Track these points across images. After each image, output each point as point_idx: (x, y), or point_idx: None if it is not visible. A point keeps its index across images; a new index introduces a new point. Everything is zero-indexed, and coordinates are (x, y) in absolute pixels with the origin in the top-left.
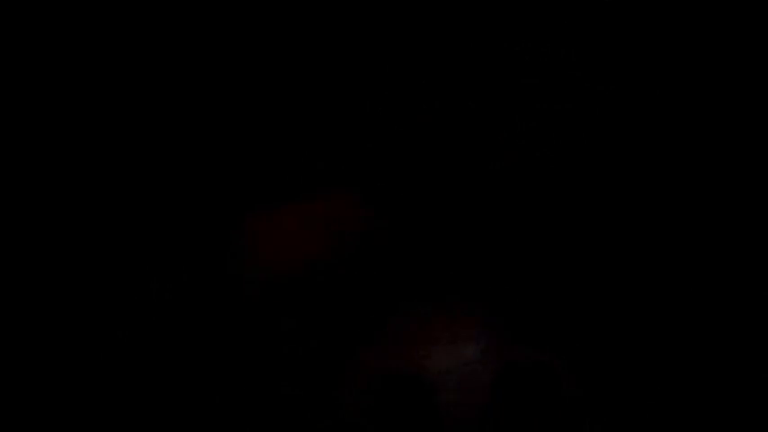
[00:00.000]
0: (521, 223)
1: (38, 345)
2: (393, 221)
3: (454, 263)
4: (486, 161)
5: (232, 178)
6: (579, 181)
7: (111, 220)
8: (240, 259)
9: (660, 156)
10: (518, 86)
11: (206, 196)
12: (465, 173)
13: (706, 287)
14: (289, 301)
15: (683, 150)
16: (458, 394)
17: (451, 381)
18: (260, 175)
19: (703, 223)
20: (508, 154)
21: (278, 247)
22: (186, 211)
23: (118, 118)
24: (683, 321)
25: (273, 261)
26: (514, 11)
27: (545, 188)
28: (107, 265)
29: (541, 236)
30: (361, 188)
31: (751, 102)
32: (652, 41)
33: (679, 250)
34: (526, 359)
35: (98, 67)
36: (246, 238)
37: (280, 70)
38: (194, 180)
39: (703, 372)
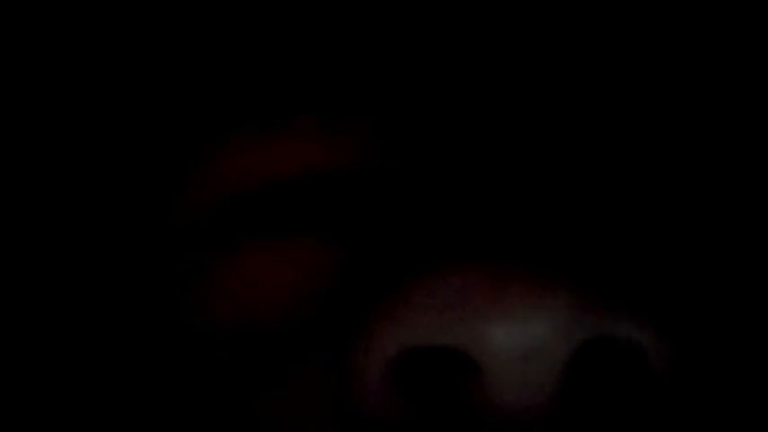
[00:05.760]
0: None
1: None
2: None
3: (509, 205)
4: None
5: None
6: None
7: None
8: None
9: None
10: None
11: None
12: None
13: None
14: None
15: (684, 152)
16: (520, 386)
17: (511, 365)
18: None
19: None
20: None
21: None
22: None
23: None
24: None
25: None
26: (515, 10)
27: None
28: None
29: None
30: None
31: (751, 102)
32: (652, 41)
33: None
34: (607, 335)
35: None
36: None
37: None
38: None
39: None
